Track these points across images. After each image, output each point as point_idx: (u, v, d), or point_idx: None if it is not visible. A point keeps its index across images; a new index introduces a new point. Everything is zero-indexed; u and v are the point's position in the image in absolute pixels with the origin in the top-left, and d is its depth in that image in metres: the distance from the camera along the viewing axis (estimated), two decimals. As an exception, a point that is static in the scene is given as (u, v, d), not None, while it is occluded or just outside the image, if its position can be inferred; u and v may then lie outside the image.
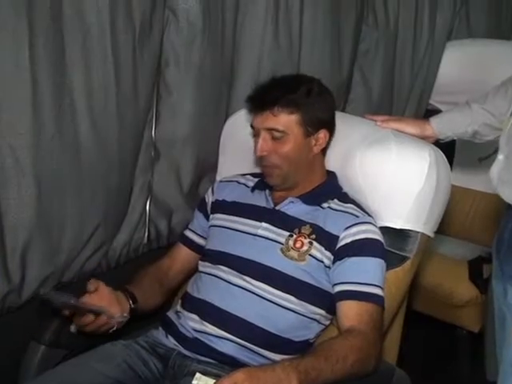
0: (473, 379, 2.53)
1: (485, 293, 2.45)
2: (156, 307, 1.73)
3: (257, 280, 1.60)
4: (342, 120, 1.76)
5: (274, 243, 1.63)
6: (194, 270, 1.81)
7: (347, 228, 1.60)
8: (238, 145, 1.93)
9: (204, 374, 1.41)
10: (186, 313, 1.65)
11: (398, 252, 1.68)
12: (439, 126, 1.81)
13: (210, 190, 1.86)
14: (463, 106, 1.80)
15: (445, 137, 1.83)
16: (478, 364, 2.42)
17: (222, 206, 1.78)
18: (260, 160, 1.68)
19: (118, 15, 1.56)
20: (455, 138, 1.86)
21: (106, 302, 1.51)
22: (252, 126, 1.69)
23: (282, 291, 1.58)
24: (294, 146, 1.63)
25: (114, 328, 1.54)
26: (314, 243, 1.60)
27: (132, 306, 1.58)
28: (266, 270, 1.60)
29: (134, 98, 1.69)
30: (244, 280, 1.61)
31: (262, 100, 1.64)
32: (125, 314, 1.54)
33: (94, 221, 1.70)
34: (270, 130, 1.62)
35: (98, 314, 1.49)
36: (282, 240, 1.62)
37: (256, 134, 1.68)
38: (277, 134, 1.62)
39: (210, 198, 1.83)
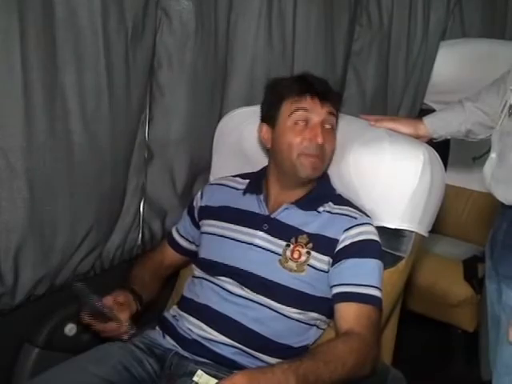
0: (468, 378, 2.54)
1: (480, 292, 2.46)
2: (151, 301, 1.74)
3: (257, 293, 1.58)
4: (335, 120, 1.76)
5: (272, 254, 1.61)
6: (181, 266, 1.89)
7: (346, 230, 1.59)
8: (232, 145, 1.93)
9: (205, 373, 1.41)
10: (184, 315, 1.64)
11: (392, 252, 1.68)
12: (432, 125, 1.81)
13: (199, 193, 1.84)
14: (456, 105, 1.80)
15: (438, 136, 1.83)
16: (473, 363, 2.43)
17: (211, 212, 1.76)
18: (307, 149, 1.60)
19: (110, 16, 1.56)
20: (449, 137, 1.86)
21: (120, 307, 1.53)
22: (299, 115, 1.61)
23: (283, 304, 1.57)
24: (335, 139, 1.68)
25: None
26: (312, 252, 1.59)
27: (139, 309, 1.60)
28: (266, 283, 1.58)
29: (126, 99, 1.68)
30: (244, 291, 1.60)
31: (324, 91, 1.64)
32: (132, 331, 1.55)
33: (88, 222, 1.69)
34: (331, 114, 1.64)
35: (111, 319, 1.50)
36: (280, 250, 1.60)
37: (298, 121, 1.61)
38: (331, 122, 1.65)
39: (198, 203, 1.82)
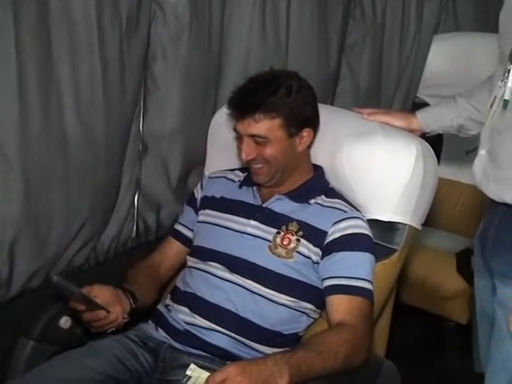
0: (460, 370, 2.55)
1: (473, 285, 2.46)
2: (150, 305, 1.72)
3: (246, 278, 1.60)
4: (329, 113, 1.76)
5: (262, 241, 1.63)
6: (183, 266, 1.82)
7: (335, 223, 1.60)
8: (226, 138, 1.92)
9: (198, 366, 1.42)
10: (176, 305, 1.65)
11: (385, 244, 1.69)
12: (425, 120, 1.82)
13: (199, 185, 1.86)
14: (449, 100, 1.80)
15: (431, 130, 1.84)
16: (466, 355, 2.45)
17: (211, 203, 1.78)
18: (246, 161, 1.67)
19: (105, 9, 1.56)
20: (442, 132, 1.87)
21: (107, 301, 1.49)
22: (235, 130, 1.66)
23: (271, 289, 1.59)
24: (278, 148, 1.62)
25: (114, 328, 1.53)
26: (302, 240, 1.60)
27: (133, 305, 1.57)
28: (255, 267, 1.61)
29: (121, 92, 1.69)
30: (232, 275, 1.61)
31: (242, 107, 1.61)
32: (125, 316, 1.54)
33: (82, 215, 1.70)
34: (252, 136, 1.61)
35: (99, 306, 1.48)
36: (270, 237, 1.63)
37: (239, 138, 1.66)
38: (259, 140, 1.61)
39: (199, 194, 1.83)
